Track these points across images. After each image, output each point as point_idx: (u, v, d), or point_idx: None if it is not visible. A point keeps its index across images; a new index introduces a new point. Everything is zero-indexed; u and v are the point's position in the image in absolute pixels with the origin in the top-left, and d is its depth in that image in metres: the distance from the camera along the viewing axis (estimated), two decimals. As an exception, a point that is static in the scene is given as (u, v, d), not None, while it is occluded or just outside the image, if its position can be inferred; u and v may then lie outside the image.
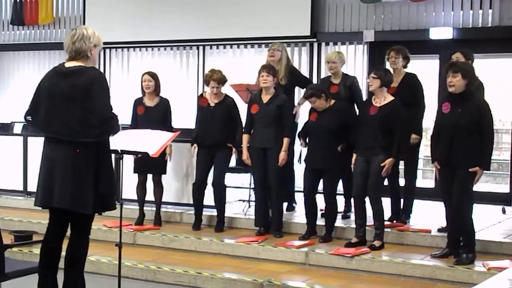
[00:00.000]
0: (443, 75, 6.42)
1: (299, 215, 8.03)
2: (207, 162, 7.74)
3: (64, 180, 4.74)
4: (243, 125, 7.67)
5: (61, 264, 5.02)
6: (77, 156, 4.74)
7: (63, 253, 5.00)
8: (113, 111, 4.86)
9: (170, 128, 7.76)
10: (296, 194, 8.50)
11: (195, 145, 7.80)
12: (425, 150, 13.97)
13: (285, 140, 7.30)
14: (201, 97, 7.93)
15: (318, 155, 7.13)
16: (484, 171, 6.18)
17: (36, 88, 4.96)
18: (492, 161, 6.26)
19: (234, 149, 7.68)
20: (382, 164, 6.66)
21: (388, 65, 7.66)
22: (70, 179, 4.73)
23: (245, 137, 7.57)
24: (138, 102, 8.01)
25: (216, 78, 7.64)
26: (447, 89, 6.24)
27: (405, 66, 7.51)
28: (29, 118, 5.01)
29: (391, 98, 6.83)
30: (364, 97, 8.13)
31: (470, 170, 6.08)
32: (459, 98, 6.17)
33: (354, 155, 6.92)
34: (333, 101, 7.20)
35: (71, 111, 4.72)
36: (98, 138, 4.78)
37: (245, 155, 7.49)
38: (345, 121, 7.08)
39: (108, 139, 4.95)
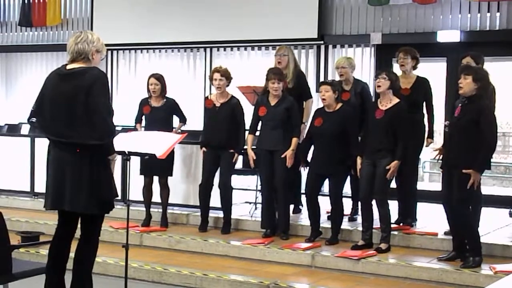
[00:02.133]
0: (451, 78, 6.44)
1: (305, 218, 8.02)
2: (212, 163, 7.74)
3: (73, 182, 4.75)
4: (246, 127, 7.66)
5: (70, 265, 5.04)
6: (82, 158, 4.74)
7: (72, 254, 5.02)
8: (111, 113, 4.83)
9: (184, 123, 8.05)
10: (302, 196, 8.53)
11: (203, 148, 7.81)
12: (431, 153, 13.95)
13: (294, 140, 7.29)
14: (206, 99, 7.94)
15: (322, 160, 7.13)
16: (488, 173, 6.17)
17: (40, 90, 4.98)
18: (499, 164, 6.29)
19: (236, 155, 7.65)
20: (387, 167, 6.67)
21: (397, 67, 7.67)
22: (78, 182, 4.74)
23: (250, 138, 7.58)
24: (145, 102, 8.05)
25: (220, 70, 7.66)
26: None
27: (415, 67, 7.52)
28: (33, 119, 5.03)
29: (397, 100, 6.83)
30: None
31: (463, 171, 6.07)
32: (467, 102, 6.20)
33: (359, 159, 6.93)
34: (339, 105, 7.20)
35: (74, 113, 4.72)
36: (104, 140, 4.78)
37: (250, 156, 7.49)
38: (348, 128, 7.08)
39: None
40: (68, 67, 4.89)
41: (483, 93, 6.19)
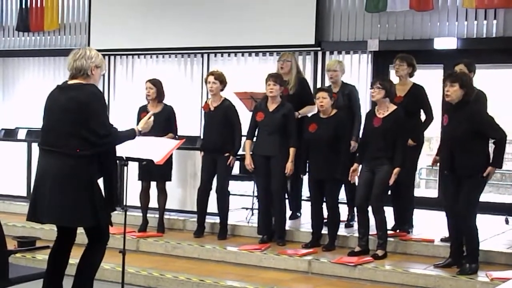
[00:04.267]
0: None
1: (303, 224, 8.04)
2: (210, 167, 7.73)
3: (59, 194, 4.73)
4: (241, 130, 7.65)
5: (71, 270, 5.03)
6: (72, 168, 4.74)
7: (74, 260, 5.02)
8: (111, 127, 4.90)
9: (174, 135, 7.81)
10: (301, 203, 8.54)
11: (202, 152, 7.82)
12: (428, 159, 13.95)
13: (291, 150, 7.28)
14: (205, 103, 7.94)
15: (319, 166, 7.14)
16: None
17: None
18: (495, 171, 6.28)
19: (232, 158, 7.61)
20: (394, 172, 6.67)
21: (394, 74, 7.68)
22: (65, 193, 4.72)
23: (247, 143, 7.58)
24: (142, 110, 8.02)
25: (214, 73, 7.67)
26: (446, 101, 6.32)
27: (411, 74, 7.54)
28: None
29: (394, 107, 6.85)
30: (368, 107, 8.14)
31: (483, 174, 6.12)
32: (455, 109, 6.23)
33: (356, 165, 6.94)
34: (334, 111, 7.21)
35: (66, 123, 4.76)
36: (95, 152, 4.81)
37: (247, 161, 7.49)
38: (340, 134, 7.09)
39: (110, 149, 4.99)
40: (69, 82, 4.94)
41: (469, 99, 6.25)
